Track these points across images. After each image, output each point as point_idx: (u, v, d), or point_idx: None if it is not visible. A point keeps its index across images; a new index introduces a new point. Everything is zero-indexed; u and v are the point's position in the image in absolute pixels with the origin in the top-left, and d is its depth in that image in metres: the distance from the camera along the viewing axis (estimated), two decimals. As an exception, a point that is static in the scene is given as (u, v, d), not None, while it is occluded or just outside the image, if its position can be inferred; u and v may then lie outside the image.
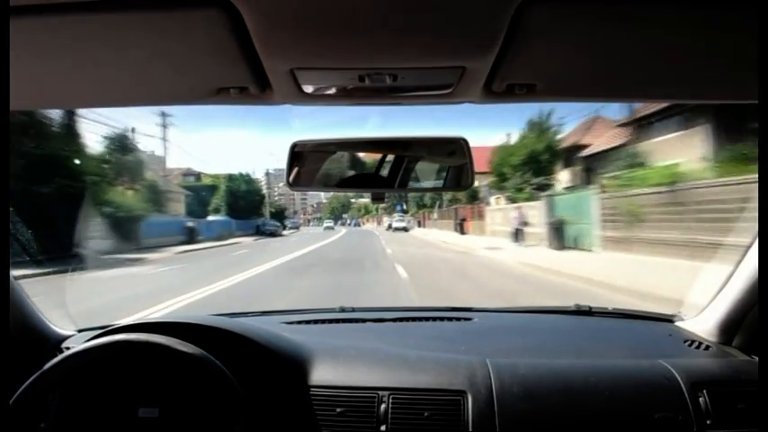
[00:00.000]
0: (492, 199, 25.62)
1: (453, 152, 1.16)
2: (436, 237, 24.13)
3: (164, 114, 26.58)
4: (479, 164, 22.66)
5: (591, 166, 19.31)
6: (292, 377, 1.17)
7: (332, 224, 52.92)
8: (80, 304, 5.30)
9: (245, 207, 36.62)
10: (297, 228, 52.06)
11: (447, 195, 30.12)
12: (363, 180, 1.22)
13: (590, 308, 1.73)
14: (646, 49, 0.71)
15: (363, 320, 1.69)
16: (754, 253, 1.23)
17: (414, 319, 1.71)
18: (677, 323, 1.54)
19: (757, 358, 1.25)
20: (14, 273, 1.23)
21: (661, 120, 15.64)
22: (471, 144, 1.12)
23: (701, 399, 1.11)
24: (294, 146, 1.15)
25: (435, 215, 37.07)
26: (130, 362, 1.12)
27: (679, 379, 1.14)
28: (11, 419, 0.95)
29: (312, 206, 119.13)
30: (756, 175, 0.78)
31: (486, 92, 0.81)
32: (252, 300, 6.97)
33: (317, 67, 0.73)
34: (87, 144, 16.79)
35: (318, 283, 8.82)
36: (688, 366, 1.19)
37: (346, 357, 1.25)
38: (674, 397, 1.11)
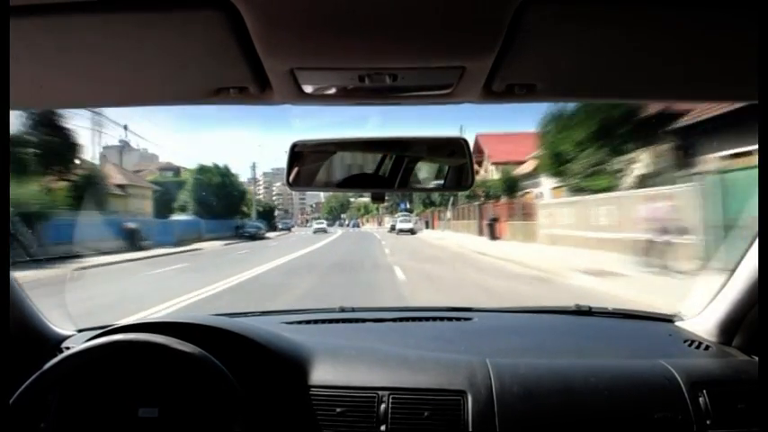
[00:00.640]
0: (544, 190, 18.50)
1: (453, 152, 1.16)
2: (459, 243, 18.14)
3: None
4: (517, 153, 22.30)
5: (690, 141, 11.39)
6: (292, 377, 1.17)
7: (323, 225, 42.96)
8: None
9: (221, 204, 31.09)
10: (288, 229, 47.61)
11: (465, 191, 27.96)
12: (363, 180, 1.22)
13: (590, 308, 1.73)
14: (646, 49, 0.71)
15: (363, 320, 1.69)
16: (754, 253, 1.23)
17: (414, 319, 1.71)
18: (677, 323, 1.54)
19: (757, 358, 1.25)
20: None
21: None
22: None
23: (700, 399, 1.11)
24: (294, 146, 1.15)
25: (448, 214, 31.97)
26: (130, 362, 1.12)
27: (679, 379, 1.14)
28: (11, 419, 0.95)
29: (311, 206, 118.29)
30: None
31: (486, 92, 0.81)
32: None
33: (317, 67, 0.73)
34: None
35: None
36: (688, 366, 1.19)
37: (346, 357, 1.25)
38: (673, 397, 1.11)
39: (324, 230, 39.51)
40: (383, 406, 1.11)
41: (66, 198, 16.19)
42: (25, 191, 12.93)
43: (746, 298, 1.26)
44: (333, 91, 0.82)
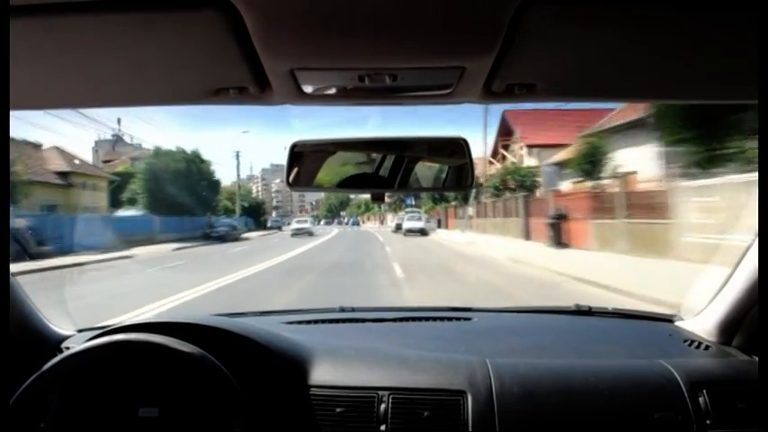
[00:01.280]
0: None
1: (453, 152, 1.16)
2: (506, 252, 12.52)
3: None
4: (557, 135, 18.56)
5: None
6: (292, 377, 1.17)
7: (306, 225, 30.27)
8: None
9: (189, 198, 24.25)
10: (279, 228, 42.03)
11: (492, 180, 23.00)
12: (363, 180, 1.22)
13: (590, 308, 1.73)
14: (646, 49, 0.71)
15: (363, 320, 1.69)
16: (753, 253, 1.23)
17: (414, 319, 1.71)
18: (677, 323, 1.54)
19: (757, 358, 1.25)
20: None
21: None
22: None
23: (700, 399, 1.11)
24: (294, 146, 1.15)
25: (470, 211, 25.58)
26: (130, 362, 1.12)
27: (679, 379, 1.14)
28: (11, 419, 0.95)
29: (311, 204, 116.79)
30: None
31: (486, 92, 0.81)
32: None
33: (317, 67, 0.73)
34: None
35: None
36: (688, 366, 1.19)
37: (346, 357, 1.25)
38: (673, 397, 1.11)
39: (307, 232, 28.00)
40: (383, 406, 1.11)
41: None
42: None
43: (746, 298, 1.26)
44: (333, 91, 0.82)
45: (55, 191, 19.76)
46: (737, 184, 8.02)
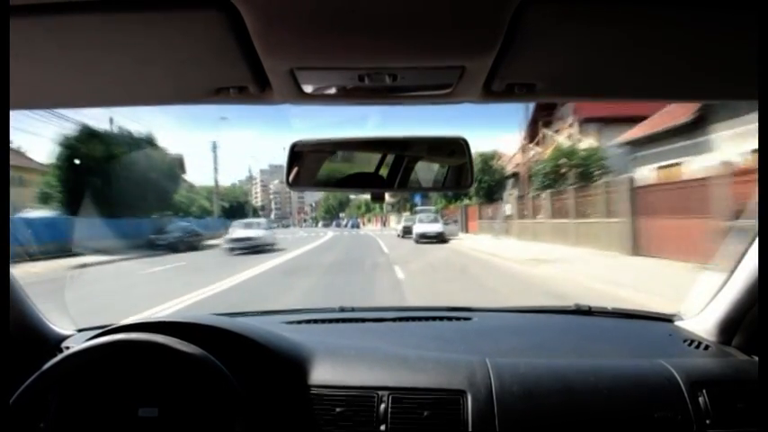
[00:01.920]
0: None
1: (453, 152, 1.16)
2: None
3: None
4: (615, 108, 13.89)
5: None
6: (292, 377, 1.17)
7: (255, 232, 18.32)
8: None
9: (130, 194, 17.86)
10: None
11: (540, 166, 17.94)
12: (363, 180, 1.22)
13: (590, 308, 1.73)
14: (646, 49, 0.71)
15: (363, 320, 1.69)
16: (753, 253, 1.23)
17: (413, 318, 1.71)
18: (677, 323, 1.54)
19: (757, 358, 1.25)
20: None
21: None
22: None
23: (700, 398, 1.11)
24: (294, 146, 1.15)
25: (506, 209, 20.42)
26: (130, 362, 1.12)
27: (678, 379, 1.14)
28: (11, 419, 0.95)
29: (310, 205, 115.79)
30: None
31: (486, 91, 0.81)
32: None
33: (317, 66, 0.73)
34: None
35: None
36: (688, 366, 1.19)
37: (346, 357, 1.25)
38: (673, 396, 1.11)
39: (260, 246, 17.44)
40: (383, 406, 1.11)
41: None
42: None
43: (746, 298, 1.26)
44: (332, 91, 0.82)
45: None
46: None
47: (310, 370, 1.19)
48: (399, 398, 1.12)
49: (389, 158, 1.18)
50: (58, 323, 1.46)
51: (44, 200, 18.58)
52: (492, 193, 25.18)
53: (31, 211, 17.75)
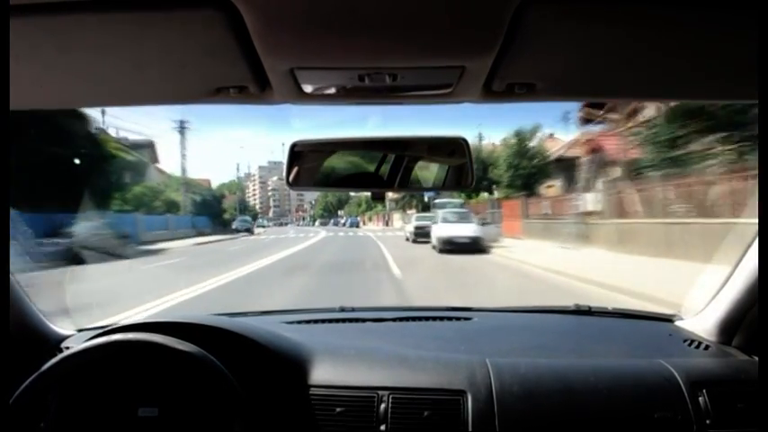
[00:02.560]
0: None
1: (453, 152, 1.17)
2: None
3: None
4: None
5: None
6: (292, 377, 1.17)
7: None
8: None
9: (45, 182, 13.09)
10: (249, 230, 32.18)
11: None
12: (363, 179, 1.22)
13: (590, 308, 1.73)
14: (646, 49, 0.71)
15: (363, 320, 1.69)
16: (753, 252, 1.23)
17: (413, 318, 1.71)
18: (677, 323, 1.54)
19: (757, 358, 1.25)
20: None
21: None
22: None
23: (700, 398, 1.11)
24: (294, 145, 1.15)
25: (588, 200, 13.70)
26: (130, 361, 1.12)
27: (679, 379, 1.14)
28: (10, 419, 0.95)
29: (310, 202, 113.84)
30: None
31: (486, 91, 0.81)
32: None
33: (317, 66, 0.73)
34: None
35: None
36: (688, 366, 1.19)
37: (346, 357, 1.25)
38: (673, 396, 1.11)
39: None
40: (383, 406, 1.11)
41: None
42: None
43: (746, 298, 1.26)
44: (332, 90, 0.82)
45: None
46: None
47: (310, 370, 1.19)
48: (399, 398, 1.12)
49: (390, 158, 1.18)
50: (58, 323, 1.46)
51: None
52: (531, 183, 19.33)
53: None
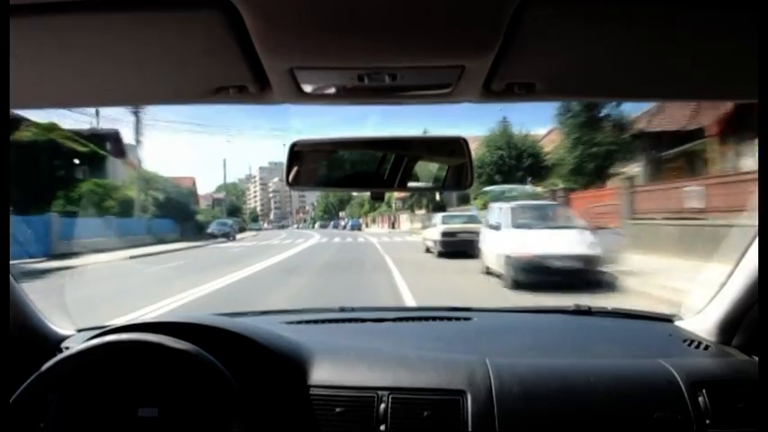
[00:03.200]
0: None
1: (453, 152, 1.17)
2: None
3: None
4: None
5: None
6: (292, 377, 1.17)
7: None
8: None
9: None
10: (227, 236, 26.94)
11: None
12: (363, 179, 1.23)
13: (589, 308, 1.73)
14: (645, 48, 0.71)
15: (363, 320, 1.69)
16: (753, 252, 1.23)
17: (413, 318, 1.71)
18: (677, 323, 1.54)
19: (757, 358, 1.25)
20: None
21: None
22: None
23: (700, 398, 1.11)
24: (294, 145, 1.15)
25: None
26: (130, 362, 1.12)
27: (678, 379, 1.14)
28: (10, 419, 0.95)
29: (312, 204, 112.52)
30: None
31: (486, 91, 0.81)
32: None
33: (317, 66, 0.73)
34: None
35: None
36: (687, 366, 1.19)
37: (346, 357, 1.25)
38: (673, 396, 1.11)
39: None
40: (383, 406, 1.11)
41: None
42: None
43: (746, 297, 1.26)
44: (332, 90, 0.82)
45: None
46: None
47: (310, 370, 1.19)
48: (399, 398, 1.11)
49: (389, 158, 1.18)
50: (58, 323, 1.46)
51: None
52: (604, 167, 14.42)
53: None
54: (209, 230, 26.90)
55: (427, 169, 1.24)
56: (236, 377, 1.03)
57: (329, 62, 0.72)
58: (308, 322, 1.66)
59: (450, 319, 1.70)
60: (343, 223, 49.33)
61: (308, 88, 0.80)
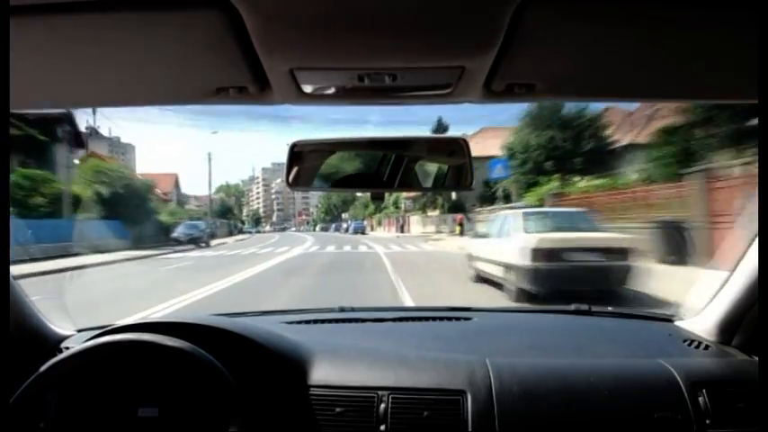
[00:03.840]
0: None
1: (453, 152, 1.17)
2: None
3: None
4: None
5: None
6: (292, 377, 1.17)
7: None
8: None
9: None
10: (196, 241, 23.12)
11: None
12: (363, 180, 1.23)
13: (589, 307, 1.73)
14: (646, 48, 0.71)
15: (363, 320, 1.69)
16: (753, 252, 1.23)
17: (413, 318, 1.72)
18: (677, 323, 1.54)
19: (757, 358, 1.25)
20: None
21: None
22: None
23: (700, 398, 1.11)
24: (293, 145, 1.15)
25: None
26: (129, 361, 1.12)
27: (678, 378, 1.14)
28: (10, 419, 0.95)
29: (316, 206, 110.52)
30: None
31: (486, 91, 0.81)
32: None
33: (317, 66, 0.73)
34: None
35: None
36: (687, 366, 1.19)
37: (346, 357, 1.25)
38: (673, 396, 1.11)
39: None
40: (383, 406, 1.11)
41: None
42: None
43: (746, 297, 1.26)
44: (332, 91, 0.82)
45: None
46: None
47: (310, 370, 1.19)
48: (399, 398, 1.12)
49: (389, 158, 1.18)
50: (58, 323, 1.46)
51: None
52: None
53: None
54: (173, 235, 22.93)
55: (427, 169, 1.25)
56: (235, 377, 1.03)
57: (329, 63, 0.72)
58: (307, 322, 1.66)
59: (450, 319, 1.70)
60: (345, 226, 45.43)
61: (308, 89, 0.80)
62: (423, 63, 0.73)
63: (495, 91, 0.81)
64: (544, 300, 5.37)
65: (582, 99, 0.94)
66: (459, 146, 1.14)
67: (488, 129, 26.53)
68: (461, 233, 20.59)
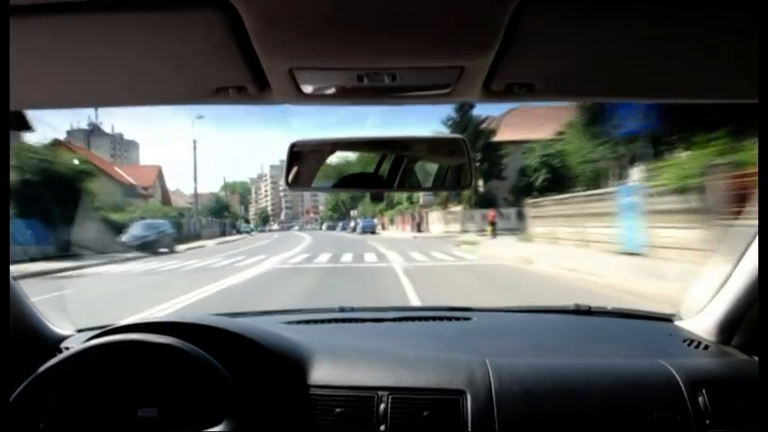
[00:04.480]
0: None
1: (453, 152, 1.17)
2: None
3: None
4: None
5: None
6: (292, 377, 1.17)
7: None
8: None
9: None
10: (149, 246, 18.27)
11: None
12: (363, 180, 1.23)
13: (589, 307, 1.73)
14: (645, 48, 0.71)
15: (363, 320, 1.69)
16: (753, 252, 1.23)
17: (413, 318, 1.71)
18: (676, 322, 1.54)
19: (757, 358, 1.25)
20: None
21: None
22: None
23: (700, 398, 1.11)
24: (293, 146, 1.15)
25: None
26: (129, 361, 1.12)
27: (678, 378, 1.14)
28: (10, 419, 0.95)
29: (325, 204, 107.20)
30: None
31: (485, 91, 0.81)
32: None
33: (316, 66, 0.73)
34: None
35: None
36: (687, 366, 1.19)
37: (346, 357, 1.25)
38: (673, 396, 1.11)
39: None
40: (382, 406, 1.11)
41: None
42: None
43: (746, 297, 1.26)
44: (332, 91, 0.82)
45: None
46: None
47: (310, 370, 1.19)
48: (399, 398, 1.12)
49: (389, 158, 1.18)
50: (58, 323, 1.46)
51: None
52: None
53: None
54: (123, 239, 18.19)
55: (427, 169, 1.25)
56: (235, 377, 1.03)
57: (329, 63, 0.72)
58: (307, 322, 1.66)
59: (449, 318, 1.69)
60: (353, 224, 40.10)
61: (307, 89, 0.80)
62: (422, 63, 0.73)
63: (494, 91, 0.81)
64: None
65: (581, 99, 0.94)
66: (459, 146, 1.14)
67: (515, 111, 23.54)
68: (494, 234, 16.85)
